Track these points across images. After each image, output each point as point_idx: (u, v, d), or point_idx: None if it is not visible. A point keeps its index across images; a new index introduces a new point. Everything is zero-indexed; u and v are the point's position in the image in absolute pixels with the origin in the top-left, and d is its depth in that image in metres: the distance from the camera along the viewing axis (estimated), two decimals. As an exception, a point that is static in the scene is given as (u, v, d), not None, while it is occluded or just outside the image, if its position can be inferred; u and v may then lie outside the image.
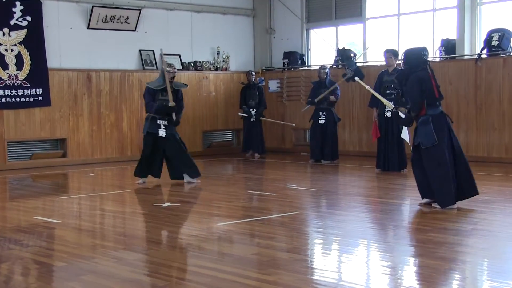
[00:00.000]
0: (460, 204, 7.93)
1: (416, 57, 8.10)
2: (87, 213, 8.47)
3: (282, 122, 15.74)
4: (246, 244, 6.45)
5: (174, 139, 10.32)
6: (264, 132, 15.48)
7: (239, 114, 15.09)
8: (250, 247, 6.28)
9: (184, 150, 10.44)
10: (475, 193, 8.05)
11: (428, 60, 8.16)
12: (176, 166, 10.42)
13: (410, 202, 8.91)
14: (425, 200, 8.14)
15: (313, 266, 5.55)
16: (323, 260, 5.83)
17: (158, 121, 10.21)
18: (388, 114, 11.39)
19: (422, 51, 8.16)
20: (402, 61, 8.27)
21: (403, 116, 8.24)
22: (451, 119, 8.28)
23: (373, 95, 11.68)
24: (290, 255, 5.79)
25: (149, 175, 10.47)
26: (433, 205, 7.98)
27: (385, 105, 11.35)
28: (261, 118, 15.18)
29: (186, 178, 10.48)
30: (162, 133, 10.20)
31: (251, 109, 14.98)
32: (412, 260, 5.70)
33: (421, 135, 7.91)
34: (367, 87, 9.87)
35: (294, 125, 15.62)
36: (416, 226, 7.24)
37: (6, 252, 6.11)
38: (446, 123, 7.97)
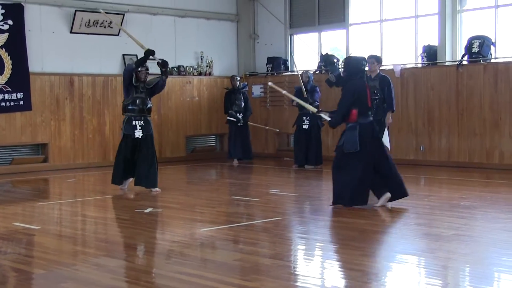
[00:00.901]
0: (442, 210, 7.94)
1: (355, 65, 8.50)
2: (68, 219, 8.40)
3: (266, 127, 15.71)
4: (229, 250, 6.42)
5: (150, 143, 10.14)
6: (250, 136, 15.32)
7: (228, 118, 14.87)
8: (233, 253, 6.25)
9: (154, 158, 10.18)
10: (404, 195, 8.40)
11: (365, 70, 8.63)
12: (139, 173, 10.13)
13: (392, 207, 8.91)
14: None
15: (296, 272, 5.53)
16: (306, 266, 5.82)
17: (134, 122, 10.04)
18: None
19: (362, 61, 8.65)
20: (342, 68, 8.53)
21: (327, 118, 8.61)
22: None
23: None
24: (273, 261, 5.76)
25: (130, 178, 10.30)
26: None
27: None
28: (249, 122, 15.09)
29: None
30: (138, 134, 10.05)
31: (237, 113, 14.83)
32: (394, 265, 5.69)
33: (346, 139, 8.31)
34: (283, 91, 10.00)
35: (278, 130, 15.60)
36: (398, 232, 7.26)
37: (-16, 259, 6.02)
38: (372, 132, 8.37)
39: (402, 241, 6.72)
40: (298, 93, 13.41)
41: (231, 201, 9.57)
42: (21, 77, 13.41)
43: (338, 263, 5.91)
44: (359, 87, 8.34)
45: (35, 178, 12.80)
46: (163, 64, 10.15)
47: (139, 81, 10.06)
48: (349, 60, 8.69)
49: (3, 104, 13.23)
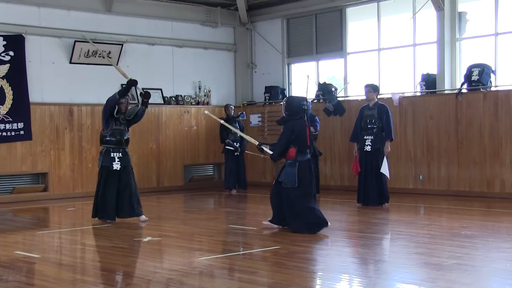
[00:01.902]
0: (442, 239, 7.94)
1: (295, 105, 8.95)
2: (67, 248, 8.41)
3: (262, 156, 15.68)
4: (228, 279, 6.43)
5: (129, 173, 10.10)
6: (245, 166, 15.36)
7: (227, 147, 14.83)
8: (232, 282, 6.26)
9: (134, 187, 10.11)
10: (324, 225, 8.79)
11: (306, 109, 9.01)
12: (121, 204, 10.06)
13: (392, 236, 8.94)
14: (268, 223, 9.16)
15: (295, 301, 5.54)
16: (306, 295, 5.82)
17: (112, 154, 10.00)
18: (368, 148, 11.50)
19: (302, 101, 9.04)
20: (283, 108, 9.01)
21: (268, 151, 9.16)
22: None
23: (354, 129, 11.86)
24: (272, 290, 5.77)
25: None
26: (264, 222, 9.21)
27: (365, 140, 11.53)
28: (246, 151, 15.08)
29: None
30: (116, 165, 10.00)
31: (234, 143, 14.83)
32: (394, 294, 5.70)
33: (285, 175, 8.83)
34: (221, 121, 10.59)
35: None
36: (398, 261, 7.25)
37: (-16, 288, 6.04)
38: (309, 168, 8.91)
39: (402, 270, 6.71)
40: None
41: (229, 230, 9.58)
42: (21, 107, 13.50)
43: (338, 291, 5.91)
44: (298, 127, 8.84)
45: (35, 207, 12.82)
46: (145, 95, 10.16)
47: (120, 113, 10.03)
48: (290, 101, 9.06)
49: (4, 134, 13.30)
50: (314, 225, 8.73)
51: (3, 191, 13.58)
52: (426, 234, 8.67)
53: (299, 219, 8.74)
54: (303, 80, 16.23)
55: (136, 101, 15.14)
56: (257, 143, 9.44)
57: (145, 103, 10.20)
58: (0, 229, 10.24)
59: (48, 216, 12.10)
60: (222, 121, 10.42)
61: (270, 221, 9.17)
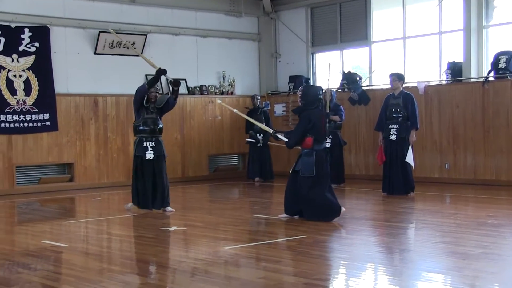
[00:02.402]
0: (469, 228, 7.90)
1: (312, 95, 8.94)
2: (94, 237, 8.50)
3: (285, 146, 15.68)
4: (253, 268, 6.45)
5: (161, 164, 10.07)
6: (271, 156, 15.34)
7: (246, 140, 15.00)
8: (257, 271, 6.28)
9: (165, 179, 10.08)
10: (338, 214, 8.78)
11: (321, 99, 9.01)
12: (155, 195, 10.05)
13: (417, 225, 8.91)
14: (284, 215, 9.12)
15: (320, 290, 5.55)
16: (330, 284, 5.82)
17: (145, 143, 9.97)
18: (393, 137, 11.44)
19: (318, 90, 9.03)
20: (299, 97, 9.00)
21: (283, 139, 9.06)
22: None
23: (379, 118, 11.80)
24: (297, 279, 5.78)
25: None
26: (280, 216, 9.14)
27: (390, 129, 11.47)
28: (269, 143, 15.12)
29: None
30: (149, 155, 9.98)
31: (257, 134, 14.90)
32: (420, 284, 5.68)
33: (302, 164, 8.83)
34: (234, 110, 10.31)
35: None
36: (423, 250, 7.22)
37: (14, 276, 6.13)
38: (326, 157, 8.93)
39: (428, 259, 6.68)
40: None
41: (254, 220, 9.61)
42: (47, 98, 13.65)
43: (363, 281, 5.91)
44: (315, 116, 8.84)
45: (61, 197, 12.96)
46: (175, 83, 10.09)
47: (150, 102, 9.99)
48: (307, 90, 9.05)
49: (30, 124, 13.46)
50: (328, 212, 8.77)
51: (30, 181, 13.75)
52: (452, 223, 8.62)
53: (314, 208, 8.78)
54: (327, 69, 16.20)
55: (161, 92, 15.24)
56: (271, 131, 9.44)
57: (175, 92, 10.10)
58: (28, 219, 10.39)
59: (74, 206, 12.23)
60: (235, 110, 10.33)
61: (286, 212, 9.18)
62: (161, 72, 9.98)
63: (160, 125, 10.14)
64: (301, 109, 8.99)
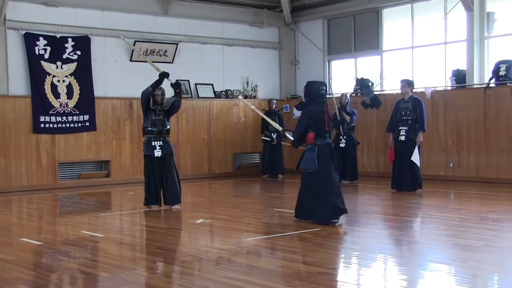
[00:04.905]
0: (471, 222, 7.81)
1: (314, 90, 8.14)
2: (128, 228, 8.52)
3: (299, 148, 15.61)
4: (273, 257, 6.43)
5: (169, 161, 9.73)
6: (284, 154, 15.31)
7: (263, 138, 15.05)
8: (276, 260, 6.25)
9: (174, 175, 9.73)
10: (343, 212, 7.96)
11: (325, 95, 8.19)
12: (166, 191, 9.73)
13: (424, 219, 8.82)
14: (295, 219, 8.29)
15: (334, 279, 5.50)
16: (344, 273, 5.78)
17: (153, 143, 9.67)
18: (402, 138, 11.35)
19: (321, 86, 8.23)
20: (303, 93, 8.29)
21: (290, 138, 8.44)
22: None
23: (390, 120, 11.71)
24: (313, 268, 5.74)
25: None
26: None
27: (400, 130, 11.38)
28: (282, 143, 15.09)
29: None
30: (157, 153, 9.67)
31: (272, 134, 14.93)
32: (426, 273, 5.62)
33: (305, 160, 8.06)
34: (262, 114, 10.41)
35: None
36: (430, 242, 7.15)
37: (56, 263, 6.16)
38: (330, 152, 8.05)
39: (434, 251, 6.62)
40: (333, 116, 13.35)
41: (274, 213, 9.57)
42: (87, 101, 13.72)
43: (374, 270, 5.86)
44: (316, 111, 8.04)
45: (99, 191, 13.03)
46: (176, 85, 9.80)
47: (156, 104, 9.71)
48: (309, 86, 8.24)
49: (72, 125, 13.55)
50: (334, 214, 7.92)
51: (70, 176, 13.83)
52: (456, 217, 8.53)
53: (322, 208, 7.93)
54: (342, 75, 16.13)
55: (190, 95, 15.27)
56: (281, 129, 9.21)
57: (178, 94, 9.81)
58: (68, 211, 10.46)
59: (110, 200, 12.28)
60: (252, 107, 10.25)
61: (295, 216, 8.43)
62: (164, 75, 9.72)
63: (168, 126, 9.83)
64: (304, 105, 8.36)
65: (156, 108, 9.76)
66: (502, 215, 8.58)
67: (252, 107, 10.20)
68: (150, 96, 9.72)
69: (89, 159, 13.97)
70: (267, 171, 15.14)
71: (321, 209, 7.94)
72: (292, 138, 8.42)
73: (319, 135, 8.04)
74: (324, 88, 8.23)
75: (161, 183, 9.77)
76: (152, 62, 10.49)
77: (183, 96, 10.05)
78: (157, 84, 9.71)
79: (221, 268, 5.88)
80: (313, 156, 7.95)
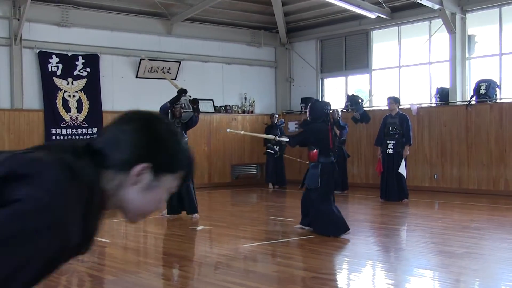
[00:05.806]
0: (454, 230, 7.80)
1: (319, 109, 8.00)
2: (133, 234, 8.49)
3: (299, 160, 15.64)
4: (268, 263, 6.41)
5: None
6: (284, 166, 15.34)
7: (268, 150, 14.86)
8: (272, 265, 6.24)
9: (190, 187, 9.41)
10: (344, 231, 7.73)
11: (329, 113, 8.12)
12: (183, 200, 9.47)
13: (410, 228, 8.81)
14: (299, 226, 8.17)
15: (327, 283, 5.49)
16: (335, 278, 5.77)
17: None
18: (390, 151, 11.37)
19: (325, 105, 8.13)
20: (308, 112, 8.09)
21: (285, 139, 8.64)
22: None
23: (378, 135, 11.73)
24: (307, 273, 5.73)
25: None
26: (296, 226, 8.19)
27: (387, 144, 11.40)
28: (284, 155, 15.09)
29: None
30: None
31: (275, 146, 14.88)
32: (412, 278, 5.61)
33: (308, 177, 7.91)
34: (241, 132, 10.65)
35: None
36: (415, 249, 7.15)
37: (65, 266, 6.12)
38: (332, 171, 7.91)
39: (419, 257, 6.62)
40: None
41: (270, 221, 9.56)
42: (95, 115, 13.72)
43: (363, 275, 5.85)
44: (321, 129, 7.90)
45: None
46: (193, 101, 9.80)
47: (175, 117, 9.59)
48: (314, 105, 8.11)
49: (81, 137, 13.51)
50: (336, 228, 7.69)
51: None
52: (440, 226, 8.52)
53: (321, 221, 7.77)
54: (333, 92, 16.16)
55: (191, 110, 15.26)
56: (273, 137, 9.29)
57: (196, 110, 9.79)
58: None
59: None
60: (242, 132, 10.40)
61: (300, 223, 8.31)
62: (182, 91, 9.70)
63: (185, 139, 9.60)
64: (307, 123, 8.20)
65: (175, 121, 9.62)
66: (483, 224, 8.58)
67: (242, 132, 10.30)
68: (169, 110, 9.63)
69: (97, 169, 13.92)
70: (271, 181, 14.97)
71: (321, 222, 7.79)
72: (286, 139, 8.51)
73: (323, 153, 7.88)
74: (328, 107, 8.15)
75: (181, 192, 9.52)
76: (171, 79, 10.46)
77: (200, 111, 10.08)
78: (175, 100, 9.69)
79: (219, 272, 5.87)
80: (316, 173, 7.82)
